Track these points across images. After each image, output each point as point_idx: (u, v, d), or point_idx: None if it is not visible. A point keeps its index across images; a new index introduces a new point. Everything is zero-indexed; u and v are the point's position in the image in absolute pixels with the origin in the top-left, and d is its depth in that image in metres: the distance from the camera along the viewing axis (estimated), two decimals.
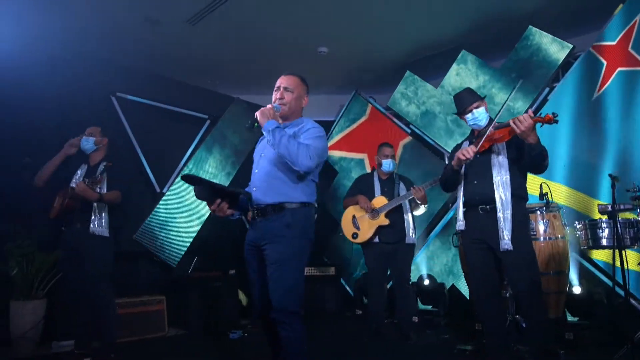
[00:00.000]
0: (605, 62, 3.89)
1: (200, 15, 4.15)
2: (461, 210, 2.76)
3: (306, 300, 4.96)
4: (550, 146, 3.99)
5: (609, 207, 2.79)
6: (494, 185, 2.58)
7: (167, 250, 4.62)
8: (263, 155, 2.36)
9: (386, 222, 3.73)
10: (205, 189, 2.23)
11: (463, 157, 2.56)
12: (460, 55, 4.85)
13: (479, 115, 2.70)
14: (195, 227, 4.81)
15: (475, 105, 2.70)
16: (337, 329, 4.54)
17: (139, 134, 4.61)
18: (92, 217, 3.22)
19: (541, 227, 3.29)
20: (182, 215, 4.75)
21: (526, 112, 2.38)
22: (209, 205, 2.23)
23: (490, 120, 2.75)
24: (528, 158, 2.49)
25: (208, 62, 5.14)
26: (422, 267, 4.85)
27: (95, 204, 3.23)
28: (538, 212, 3.31)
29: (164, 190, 4.72)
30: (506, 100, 2.88)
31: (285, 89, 2.34)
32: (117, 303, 3.55)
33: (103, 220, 3.25)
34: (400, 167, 5.31)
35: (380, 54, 5.21)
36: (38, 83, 3.87)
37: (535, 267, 2.60)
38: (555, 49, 4.30)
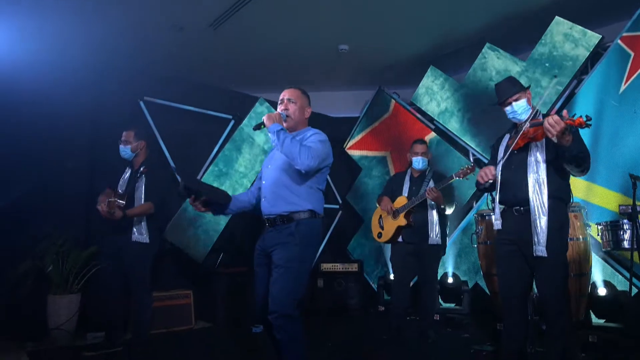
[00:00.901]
0: (632, 54, 3.70)
1: (222, 19, 4.26)
2: (497, 208, 2.62)
3: (329, 296, 5.18)
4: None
5: (630, 208, 2.68)
6: (529, 186, 2.44)
7: (194, 246, 4.80)
8: (270, 166, 2.47)
9: (404, 222, 3.68)
10: (187, 188, 2.36)
11: (482, 181, 2.49)
12: (484, 49, 4.73)
13: (518, 109, 2.54)
14: (221, 224, 4.97)
15: (515, 97, 2.54)
16: (358, 325, 4.61)
17: (166, 136, 4.79)
18: (133, 225, 3.35)
19: None
20: (209, 213, 4.91)
21: (560, 112, 2.19)
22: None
23: (533, 111, 2.53)
24: (563, 160, 2.35)
25: (231, 64, 5.28)
26: (447, 264, 4.80)
27: None
28: None
29: None
30: (543, 97, 2.76)
31: (289, 100, 2.47)
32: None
33: (142, 228, 3.37)
34: None
35: (402, 50, 5.17)
36: (71, 89, 4.11)
37: (566, 276, 2.47)
38: (583, 40, 4.11)
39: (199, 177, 4.94)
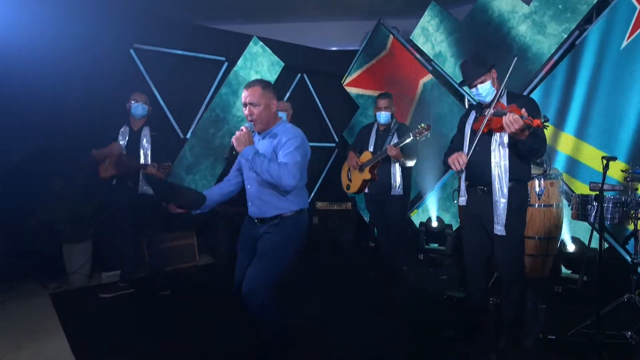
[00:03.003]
0: (638, 7, 3.49)
1: None
2: (463, 186, 2.81)
3: (323, 232, 5.52)
4: (568, 95, 3.89)
5: (599, 186, 2.79)
6: (492, 169, 2.59)
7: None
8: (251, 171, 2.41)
9: (368, 176, 3.94)
10: (164, 190, 2.46)
11: (454, 168, 2.60)
12: None
13: (482, 92, 2.61)
14: (218, 169, 5.17)
15: (480, 80, 2.59)
16: (348, 262, 4.95)
17: (159, 84, 4.77)
18: (141, 179, 3.69)
19: (536, 193, 3.34)
20: (208, 159, 5.10)
21: (523, 109, 2.30)
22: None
23: (499, 90, 2.61)
24: (516, 150, 2.50)
25: None
26: (432, 209, 5.05)
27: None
28: (536, 179, 3.34)
29: (187, 136, 5.01)
30: (507, 77, 2.74)
31: (252, 104, 2.35)
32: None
33: None
34: (418, 106, 5.25)
35: None
36: (60, 43, 4.05)
37: (521, 254, 2.70)
38: None
39: (194, 124, 5.02)
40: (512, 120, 2.28)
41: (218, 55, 5.13)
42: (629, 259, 3.20)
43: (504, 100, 2.62)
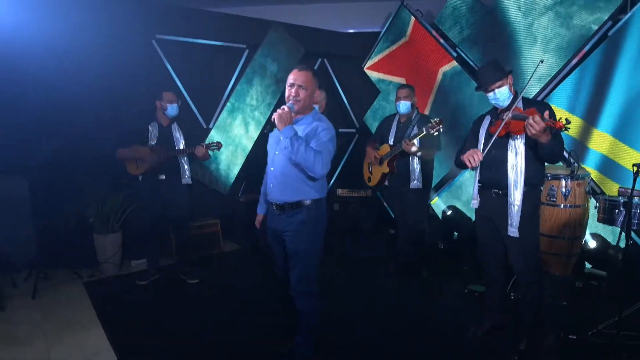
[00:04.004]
0: None
1: None
2: (476, 187, 2.84)
3: (343, 220, 5.54)
4: (602, 90, 3.78)
5: (629, 191, 2.76)
6: (508, 172, 2.61)
7: (217, 180, 5.16)
8: (277, 152, 2.46)
9: (387, 170, 3.92)
10: None
11: (469, 165, 2.61)
12: None
13: (500, 96, 2.62)
14: (240, 158, 5.23)
15: (497, 84, 2.59)
16: (368, 251, 5.00)
17: (182, 73, 4.79)
18: (181, 170, 3.82)
19: (562, 194, 3.32)
20: (229, 148, 5.15)
21: (546, 111, 2.32)
22: None
23: (515, 96, 2.66)
24: (538, 153, 2.52)
25: None
26: (450, 198, 5.05)
27: (182, 159, 3.81)
28: (562, 180, 3.31)
29: (210, 126, 5.05)
30: (531, 76, 2.71)
31: (300, 86, 2.39)
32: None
33: (187, 172, 3.85)
34: (437, 96, 5.17)
35: None
36: (81, 39, 4.07)
37: (537, 255, 2.74)
38: None
39: (217, 113, 5.05)
40: (535, 122, 2.29)
41: (239, 43, 5.09)
42: None
43: (519, 105, 2.62)
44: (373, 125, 5.94)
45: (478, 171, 2.82)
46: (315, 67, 5.79)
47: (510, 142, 2.62)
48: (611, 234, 3.80)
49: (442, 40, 5.11)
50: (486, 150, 2.61)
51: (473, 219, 4.71)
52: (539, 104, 2.61)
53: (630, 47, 3.69)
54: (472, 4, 4.73)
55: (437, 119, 3.49)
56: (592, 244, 3.70)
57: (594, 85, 3.90)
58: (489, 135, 2.69)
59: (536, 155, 2.57)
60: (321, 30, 5.83)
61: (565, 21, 4.04)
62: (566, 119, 2.26)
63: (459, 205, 5.01)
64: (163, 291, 3.87)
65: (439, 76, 5.10)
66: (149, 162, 3.70)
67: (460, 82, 4.92)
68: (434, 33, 5.16)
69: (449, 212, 4.96)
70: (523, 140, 2.58)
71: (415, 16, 5.30)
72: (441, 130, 3.49)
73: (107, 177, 4.16)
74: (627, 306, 2.98)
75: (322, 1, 5.88)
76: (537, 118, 2.29)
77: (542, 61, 2.59)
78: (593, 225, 3.63)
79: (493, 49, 4.56)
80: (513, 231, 2.63)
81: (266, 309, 3.39)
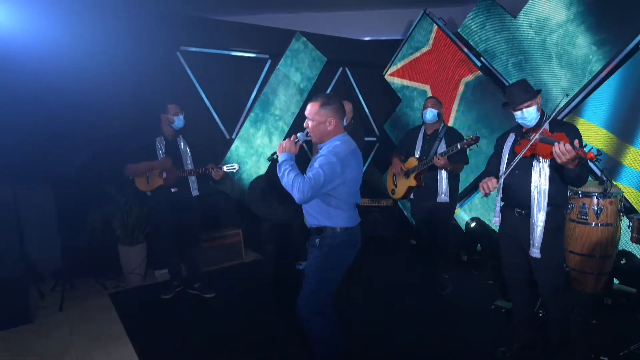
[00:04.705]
0: None
1: None
2: (498, 205, 2.82)
3: (364, 229, 5.36)
4: (636, 104, 3.70)
5: None
6: (532, 192, 2.58)
7: (240, 190, 5.17)
8: None
9: (414, 183, 3.88)
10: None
11: (483, 192, 2.61)
12: None
13: (528, 116, 2.58)
14: (263, 168, 5.23)
15: (526, 104, 2.56)
16: (389, 261, 4.96)
17: (205, 84, 4.81)
18: (190, 184, 3.82)
19: (594, 212, 3.25)
20: (252, 158, 5.16)
21: (576, 140, 2.25)
22: None
23: (542, 116, 2.61)
24: (563, 177, 2.49)
25: None
26: (472, 209, 4.99)
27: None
28: (595, 197, 3.24)
29: (233, 137, 5.06)
30: (559, 104, 2.66)
31: (307, 118, 2.47)
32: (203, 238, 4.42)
33: (195, 185, 3.86)
34: (459, 107, 5.11)
35: None
36: (109, 49, 4.11)
37: (560, 275, 2.70)
38: None
39: (239, 124, 5.06)
40: (565, 150, 2.24)
41: (261, 53, 5.09)
42: None
43: (546, 126, 2.56)
44: (393, 134, 5.91)
45: (500, 189, 2.79)
46: (336, 77, 5.76)
47: (535, 162, 2.58)
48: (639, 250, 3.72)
49: (466, 50, 5.06)
50: (509, 169, 2.58)
51: (497, 231, 4.71)
52: (568, 129, 2.55)
53: None
54: (499, 14, 4.66)
55: (472, 135, 3.45)
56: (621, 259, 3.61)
57: (630, 99, 3.81)
58: (512, 154, 2.65)
59: (561, 177, 2.54)
60: (342, 38, 5.81)
61: (598, 30, 3.96)
62: (597, 150, 2.21)
63: (482, 217, 4.95)
64: (187, 304, 3.89)
65: (461, 87, 5.03)
66: (170, 174, 3.70)
67: (485, 92, 4.85)
68: (458, 42, 5.11)
69: (472, 224, 4.90)
70: (548, 162, 2.53)
71: (438, 24, 5.25)
72: (477, 147, 3.44)
73: (131, 188, 4.18)
74: None
75: (343, 9, 5.85)
76: (569, 147, 2.23)
77: (567, 95, 2.56)
78: (623, 239, 3.56)
79: (517, 61, 4.50)
80: (535, 252, 2.60)
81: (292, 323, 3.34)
